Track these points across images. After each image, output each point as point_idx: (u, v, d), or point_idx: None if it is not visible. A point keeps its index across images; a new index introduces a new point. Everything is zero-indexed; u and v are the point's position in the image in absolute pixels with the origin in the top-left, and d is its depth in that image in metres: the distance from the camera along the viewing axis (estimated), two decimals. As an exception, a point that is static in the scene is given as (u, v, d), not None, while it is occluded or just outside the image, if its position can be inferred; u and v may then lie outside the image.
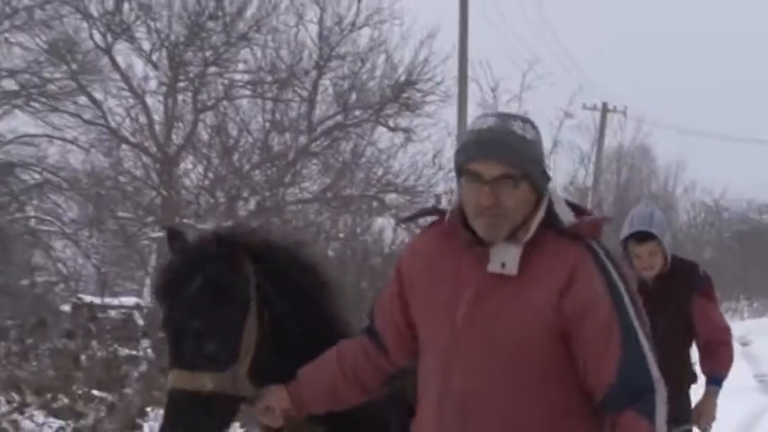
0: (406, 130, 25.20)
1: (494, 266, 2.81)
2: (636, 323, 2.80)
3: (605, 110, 34.78)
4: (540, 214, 2.83)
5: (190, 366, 3.11)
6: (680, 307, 5.47)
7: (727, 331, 5.76)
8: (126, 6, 24.16)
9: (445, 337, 2.88)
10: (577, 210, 2.95)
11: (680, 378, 5.32)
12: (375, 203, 24.80)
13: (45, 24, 24.55)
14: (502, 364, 2.82)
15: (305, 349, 3.23)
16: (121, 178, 24.55)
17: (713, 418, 5.64)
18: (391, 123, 25.23)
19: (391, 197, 25.04)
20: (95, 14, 24.54)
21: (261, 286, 3.21)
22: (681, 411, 5.35)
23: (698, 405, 5.61)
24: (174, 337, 3.21)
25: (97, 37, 24.61)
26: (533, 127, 2.91)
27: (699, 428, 5.62)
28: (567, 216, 2.87)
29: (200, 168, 25.16)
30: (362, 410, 3.29)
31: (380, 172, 25.16)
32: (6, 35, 24.57)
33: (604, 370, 2.77)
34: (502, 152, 2.78)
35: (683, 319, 5.49)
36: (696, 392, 5.68)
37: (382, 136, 25.56)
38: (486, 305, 2.82)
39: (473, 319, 2.83)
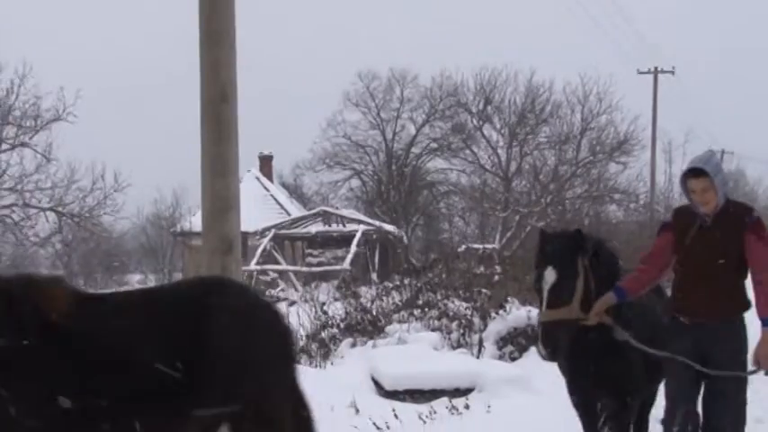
0: (624, 164, 42.38)
1: None
2: None
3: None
4: None
5: None
6: (733, 242, 5.33)
7: None
8: (488, 107, 43.58)
9: None
10: None
11: (735, 303, 5.35)
12: (607, 199, 41.17)
13: (449, 117, 45.15)
14: None
15: None
16: (486, 189, 42.51)
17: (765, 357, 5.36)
18: (617, 160, 42.42)
19: (616, 196, 41.40)
20: (473, 111, 44.01)
21: None
22: (735, 334, 5.36)
23: (755, 348, 5.35)
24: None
25: (474, 121, 44.04)
26: None
27: (759, 368, 5.37)
28: None
29: (524, 183, 42.49)
30: None
31: (610, 183, 41.69)
32: (430, 122, 45.95)
33: None
34: None
35: (736, 253, 5.33)
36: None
37: (611, 167, 42.58)
38: None
39: None
